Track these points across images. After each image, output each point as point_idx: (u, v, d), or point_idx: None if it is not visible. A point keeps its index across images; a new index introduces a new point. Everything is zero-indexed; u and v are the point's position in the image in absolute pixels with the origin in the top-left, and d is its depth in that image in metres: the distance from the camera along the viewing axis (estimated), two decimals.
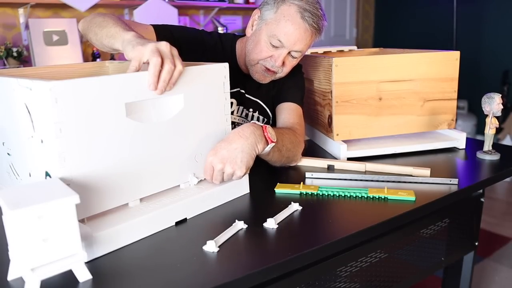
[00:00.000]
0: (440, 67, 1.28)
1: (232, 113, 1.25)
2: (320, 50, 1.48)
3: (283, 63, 1.15)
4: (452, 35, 3.75)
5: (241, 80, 1.26)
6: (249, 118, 1.29)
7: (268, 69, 1.16)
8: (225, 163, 0.89)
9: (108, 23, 0.93)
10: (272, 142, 0.97)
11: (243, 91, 1.27)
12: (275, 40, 1.11)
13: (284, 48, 1.12)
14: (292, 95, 1.27)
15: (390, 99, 1.26)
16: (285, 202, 0.93)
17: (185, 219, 0.85)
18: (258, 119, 1.30)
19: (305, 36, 1.11)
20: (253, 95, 1.29)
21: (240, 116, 1.28)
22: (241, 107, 1.28)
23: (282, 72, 1.18)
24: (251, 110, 1.29)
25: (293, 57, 1.15)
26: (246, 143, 0.91)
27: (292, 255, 0.71)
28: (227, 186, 0.94)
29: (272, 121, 1.33)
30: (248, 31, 1.21)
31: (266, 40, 1.12)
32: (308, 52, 1.42)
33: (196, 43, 1.22)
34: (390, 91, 1.25)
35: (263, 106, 1.30)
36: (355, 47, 1.57)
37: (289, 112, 1.24)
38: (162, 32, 1.15)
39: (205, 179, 0.94)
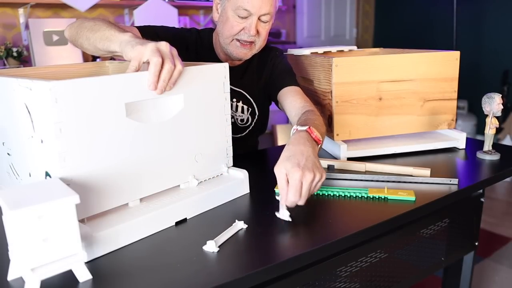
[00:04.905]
0: (440, 67, 1.28)
1: None
2: (320, 50, 1.48)
3: (257, 31, 1.18)
4: (452, 35, 3.74)
5: None
6: (234, 108, 1.32)
7: (244, 44, 1.20)
8: (311, 171, 0.82)
9: (101, 27, 0.93)
10: (320, 142, 0.95)
11: None
12: (241, 11, 1.15)
13: (252, 16, 1.16)
14: (288, 79, 1.30)
15: (390, 99, 1.26)
16: None
17: (185, 219, 0.85)
18: (242, 109, 1.33)
19: None
20: (236, 86, 1.31)
21: None
22: None
23: (260, 41, 1.22)
24: (234, 100, 1.32)
25: (263, 21, 1.18)
26: (310, 149, 0.87)
27: (292, 255, 0.71)
28: (227, 186, 0.94)
29: (258, 112, 1.36)
30: (215, 16, 1.25)
31: (233, 15, 1.16)
32: (308, 52, 1.42)
33: (179, 41, 1.25)
34: (390, 91, 1.25)
35: (246, 96, 1.34)
36: (355, 47, 1.57)
37: (293, 95, 1.26)
38: (147, 33, 1.15)
39: (205, 180, 0.93)
